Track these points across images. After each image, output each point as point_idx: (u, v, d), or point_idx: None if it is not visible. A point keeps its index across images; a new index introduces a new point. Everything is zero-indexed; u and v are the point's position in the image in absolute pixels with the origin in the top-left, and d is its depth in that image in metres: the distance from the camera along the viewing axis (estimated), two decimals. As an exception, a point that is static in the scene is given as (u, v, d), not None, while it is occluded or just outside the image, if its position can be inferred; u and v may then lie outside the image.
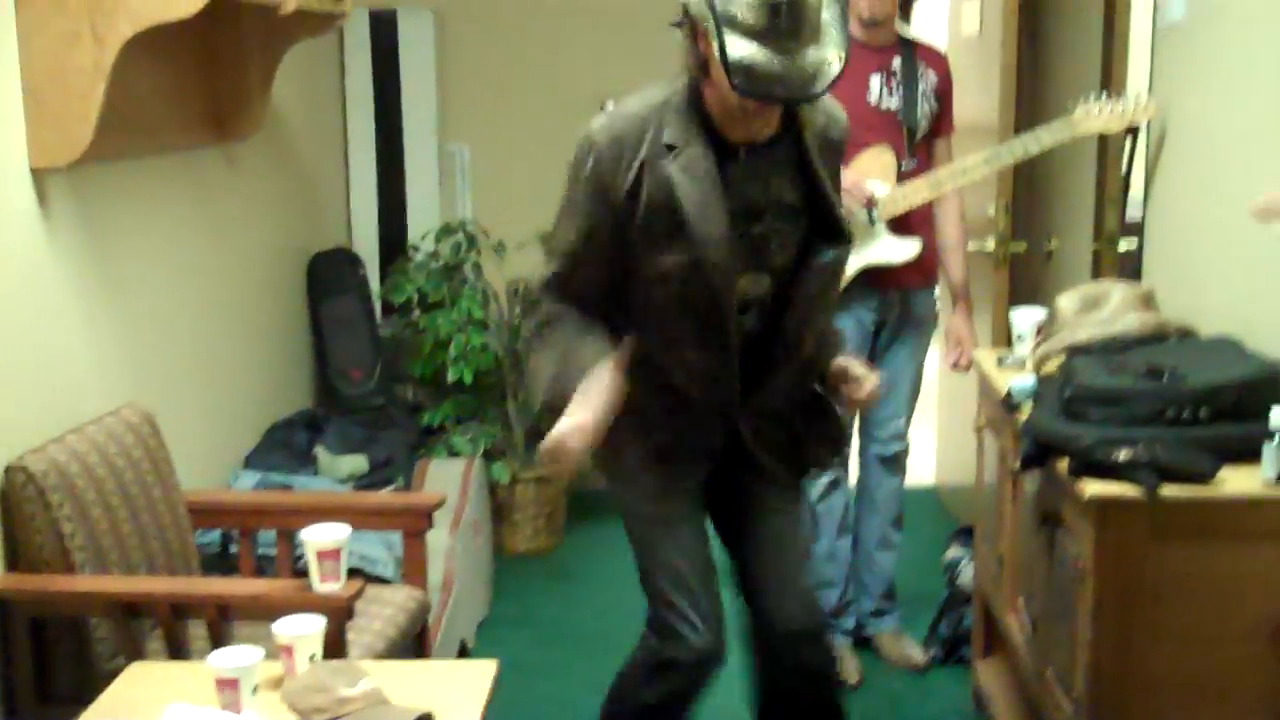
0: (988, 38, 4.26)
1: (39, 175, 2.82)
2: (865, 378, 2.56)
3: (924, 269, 3.71)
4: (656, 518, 2.59)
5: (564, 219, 2.48)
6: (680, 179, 2.35)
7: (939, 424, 5.38)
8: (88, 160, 2.87)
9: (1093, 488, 2.43)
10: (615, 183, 2.38)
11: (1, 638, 2.66)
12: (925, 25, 3.98)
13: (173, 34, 3.00)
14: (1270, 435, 2.40)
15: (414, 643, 3.10)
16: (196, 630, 2.70)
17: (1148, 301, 3.05)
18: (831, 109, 2.50)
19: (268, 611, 2.46)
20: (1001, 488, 3.23)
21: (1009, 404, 2.93)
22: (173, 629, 2.65)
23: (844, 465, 3.79)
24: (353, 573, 2.74)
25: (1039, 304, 3.40)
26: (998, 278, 4.12)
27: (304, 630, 2.29)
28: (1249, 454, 2.44)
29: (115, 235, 3.19)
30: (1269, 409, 2.42)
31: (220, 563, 3.28)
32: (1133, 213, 3.82)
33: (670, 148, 2.36)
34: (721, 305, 2.39)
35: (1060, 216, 4.33)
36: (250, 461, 3.88)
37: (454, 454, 4.57)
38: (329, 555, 2.57)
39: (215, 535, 3.31)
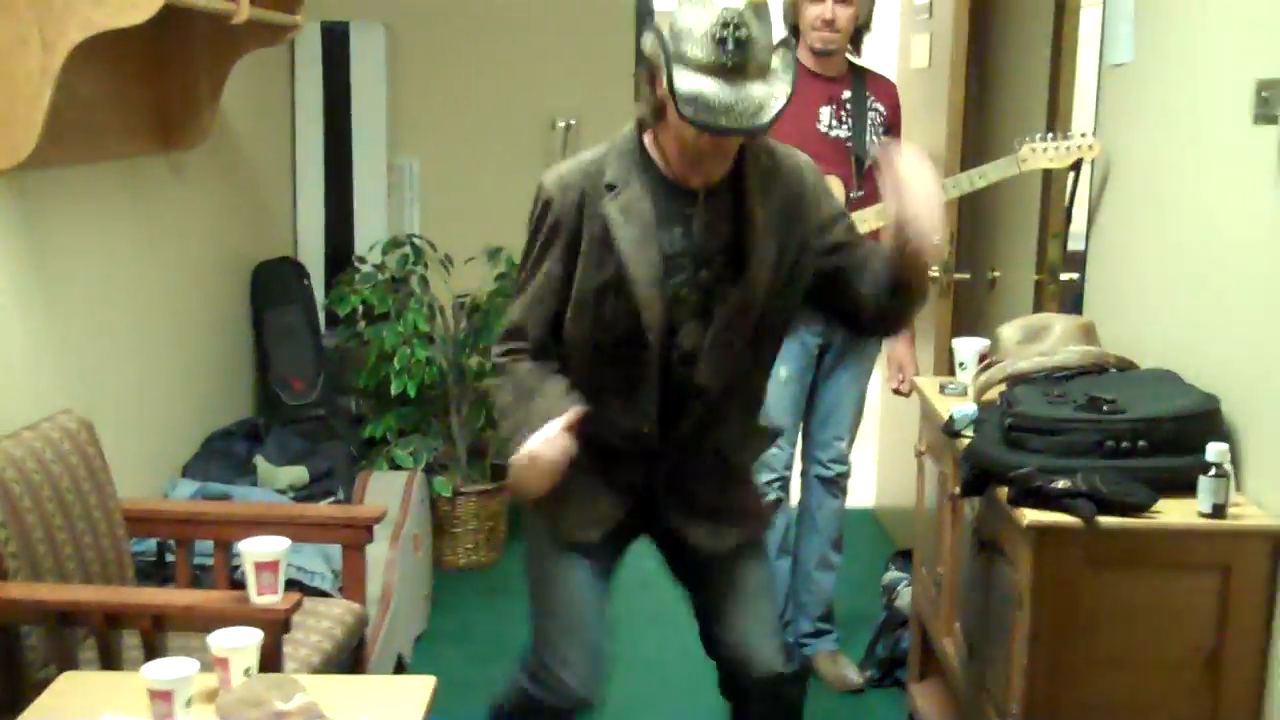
0: (936, 71, 4.31)
1: (-19, 178, 2.79)
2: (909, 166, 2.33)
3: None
4: (558, 552, 2.59)
5: (524, 268, 2.53)
6: (617, 218, 2.40)
7: (880, 447, 5.42)
8: (31, 165, 2.83)
9: (1031, 515, 2.46)
10: (566, 225, 2.44)
11: (-70, 645, 2.61)
12: (876, 57, 4.00)
13: (122, 41, 2.97)
14: (1206, 468, 2.44)
15: (351, 657, 3.07)
16: (130, 640, 2.66)
17: (1089, 334, 3.10)
18: (782, 150, 2.53)
19: (203, 623, 2.42)
20: (941, 512, 3.26)
21: (950, 430, 2.96)
22: (106, 639, 2.61)
23: (785, 487, 3.81)
24: (290, 584, 2.71)
25: (982, 333, 3.43)
26: (941, 306, 4.16)
27: (240, 642, 2.26)
28: (1185, 486, 2.48)
29: (57, 241, 3.15)
30: (1205, 442, 2.46)
31: (156, 572, 3.24)
32: (1074, 245, 3.87)
33: (610, 187, 2.42)
34: (645, 344, 2.42)
35: (1004, 247, 4.38)
36: (188, 470, 3.84)
37: (395, 467, 4.55)
38: (267, 567, 2.55)
39: (151, 544, 3.26)
